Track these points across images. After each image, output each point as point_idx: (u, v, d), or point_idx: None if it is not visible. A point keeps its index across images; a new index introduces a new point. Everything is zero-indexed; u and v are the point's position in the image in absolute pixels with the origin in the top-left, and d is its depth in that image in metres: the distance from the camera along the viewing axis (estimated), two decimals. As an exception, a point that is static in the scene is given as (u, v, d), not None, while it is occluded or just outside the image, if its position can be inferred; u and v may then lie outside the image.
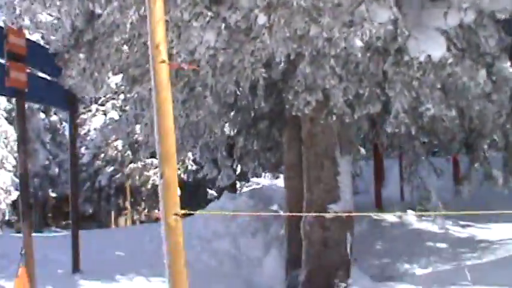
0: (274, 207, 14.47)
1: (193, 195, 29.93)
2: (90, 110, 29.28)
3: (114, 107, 27.20)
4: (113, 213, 45.98)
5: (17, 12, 10.19)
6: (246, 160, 13.92)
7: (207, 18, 7.20)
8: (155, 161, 26.80)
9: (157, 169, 22.79)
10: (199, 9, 7.13)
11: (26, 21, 10.37)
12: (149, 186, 26.54)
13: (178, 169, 26.71)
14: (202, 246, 12.25)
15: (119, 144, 26.47)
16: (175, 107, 11.02)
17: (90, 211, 46.56)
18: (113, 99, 27.76)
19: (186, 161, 26.92)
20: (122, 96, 27.41)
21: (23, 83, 8.49)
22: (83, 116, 30.33)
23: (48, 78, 10.01)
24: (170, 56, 8.66)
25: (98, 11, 8.84)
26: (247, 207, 13.84)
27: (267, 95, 9.51)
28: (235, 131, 13.18)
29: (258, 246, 11.83)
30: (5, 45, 8.21)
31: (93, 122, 27.48)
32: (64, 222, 50.16)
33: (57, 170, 40.00)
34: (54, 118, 40.28)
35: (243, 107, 10.73)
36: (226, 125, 13.02)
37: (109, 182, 41.26)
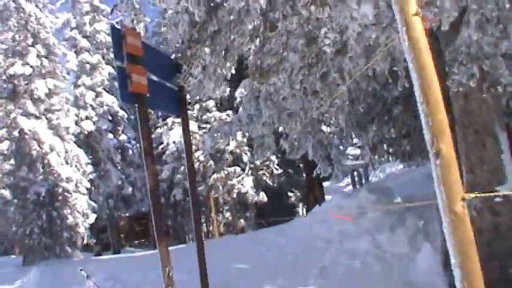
0: (397, 199, 13.39)
1: (277, 201, 29.14)
2: (166, 124, 28.79)
3: (191, 117, 26.54)
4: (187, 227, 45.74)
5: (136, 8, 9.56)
6: (380, 150, 12.77)
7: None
8: (238, 169, 26.10)
9: (240, 177, 22.08)
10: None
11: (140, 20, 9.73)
12: (234, 195, 25.79)
13: (264, 174, 26.14)
14: (335, 248, 11.31)
15: (200, 155, 25.83)
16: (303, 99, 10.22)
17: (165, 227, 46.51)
18: (188, 109, 27.08)
19: (271, 165, 26.14)
20: (197, 106, 26.86)
21: (145, 87, 7.75)
22: (158, 131, 29.90)
23: (162, 81, 9.30)
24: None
25: (222, -3, 8.14)
26: (370, 203, 12.82)
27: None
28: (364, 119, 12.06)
29: (401, 241, 10.76)
30: (124, 47, 7.47)
31: (171, 135, 26.89)
32: (137, 241, 50.16)
33: (130, 189, 39.72)
34: (122, 137, 40.12)
35: (376, 92, 9.68)
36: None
37: (184, 196, 40.96)
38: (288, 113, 11.06)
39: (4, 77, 31.57)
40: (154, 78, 8.86)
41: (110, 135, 38.82)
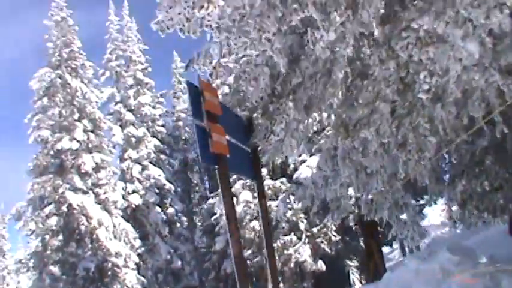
0: (483, 259, 12.21)
1: (334, 269, 27.99)
2: (218, 195, 28.13)
3: (244, 186, 25.91)
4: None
5: (213, 63, 8.97)
6: (469, 206, 11.70)
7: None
8: (294, 238, 25.14)
9: (297, 246, 21.09)
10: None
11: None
12: (292, 264, 24.77)
13: (322, 242, 25.11)
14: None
15: (255, 224, 25.00)
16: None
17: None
18: (240, 179, 26.51)
19: (329, 232, 25.12)
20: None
21: (225, 148, 7.06)
22: (210, 201, 29.23)
23: (237, 142, 8.59)
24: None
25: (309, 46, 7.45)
26: (454, 265, 11.67)
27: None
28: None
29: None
30: (202, 104, 6.80)
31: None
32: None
33: (179, 262, 38.78)
34: (170, 210, 39.50)
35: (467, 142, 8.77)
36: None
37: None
38: (367, 173, 10.23)
39: (52, 152, 31.49)
40: (229, 138, 8.15)
41: (158, 209, 38.19)
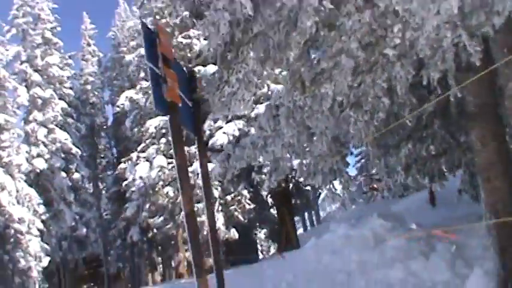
0: (412, 225, 12.36)
1: (246, 238, 27.95)
2: (130, 159, 27.25)
3: (158, 151, 25.20)
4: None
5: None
6: (413, 170, 11.59)
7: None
8: (207, 206, 24.78)
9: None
10: None
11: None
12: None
13: (236, 210, 24.92)
14: (365, 280, 10.20)
15: (169, 190, 24.37)
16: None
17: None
18: (153, 144, 25.81)
19: (243, 200, 24.92)
20: (163, 140, 25.55)
21: (177, 96, 6.57)
22: (121, 166, 28.33)
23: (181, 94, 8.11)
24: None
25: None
26: (387, 230, 11.77)
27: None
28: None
29: (439, 268, 9.67)
30: (158, 46, 6.30)
31: (137, 170, 25.38)
32: (85, 286, 47.83)
33: (84, 230, 37.71)
34: (76, 176, 38.21)
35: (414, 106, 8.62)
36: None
37: (141, 237, 39.18)
38: (310, 133, 9.92)
39: (-50, 111, 29.73)
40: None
41: (63, 174, 36.82)
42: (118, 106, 30.22)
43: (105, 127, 44.65)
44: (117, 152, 42.79)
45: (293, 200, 29.06)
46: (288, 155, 11.93)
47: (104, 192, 44.21)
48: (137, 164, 25.99)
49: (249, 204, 24.87)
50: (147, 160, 25.64)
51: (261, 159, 13.56)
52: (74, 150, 37.21)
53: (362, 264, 10.86)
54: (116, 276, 45.84)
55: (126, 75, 42.19)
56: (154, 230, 38.36)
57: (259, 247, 36.10)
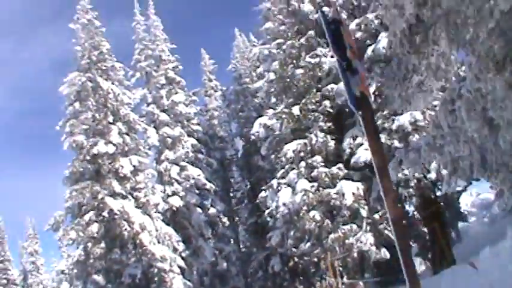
0: None
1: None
2: (270, 187, 26.55)
3: (299, 175, 24.33)
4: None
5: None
6: None
7: None
8: (354, 227, 23.59)
9: (358, 235, 19.53)
10: None
11: None
12: (355, 254, 23.17)
13: (385, 228, 23.45)
14: None
15: (315, 214, 23.37)
16: None
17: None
18: (292, 169, 25.01)
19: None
20: (302, 164, 24.68)
21: (367, 88, 5.60)
22: (262, 194, 27.69)
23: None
24: None
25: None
26: None
27: None
28: None
29: None
30: (344, 37, 5.36)
31: (280, 197, 24.62)
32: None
33: (225, 264, 37.37)
34: (211, 211, 38.09)
35: None
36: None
37: (282, 266, 38.32)
38: (494, 125, 8.57)
39: (88, 157, 30.25)
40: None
41: (199, 210, 36.79)
42: (253, 134, 29.68)
43: (235, 160, 44.46)
44: (250, 184, 42.33)
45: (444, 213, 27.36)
46: (469, 153, 10.50)
47: (240, 225, 43.76)
48: (279, 190, 25.23)
49: (399, 222, 23.35)
50: (288, 185, 24.81)
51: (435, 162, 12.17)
52: (208, 185, 37.12)
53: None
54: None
55: (252, 105, 42.06)
56: (295, 259, 37.63)
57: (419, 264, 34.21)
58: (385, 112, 23.13)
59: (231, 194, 44.72)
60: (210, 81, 46.87)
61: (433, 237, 25.16)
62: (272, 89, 27.53)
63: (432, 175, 22.95)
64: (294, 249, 26.29)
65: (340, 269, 24.68)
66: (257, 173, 41.41)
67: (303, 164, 24.65)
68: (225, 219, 41.05)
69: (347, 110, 26.20)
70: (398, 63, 7.63)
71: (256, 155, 41.24)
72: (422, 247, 29.12)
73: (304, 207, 23.40)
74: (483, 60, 6.95)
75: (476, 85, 7.60)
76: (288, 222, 24.93)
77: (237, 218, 44.28)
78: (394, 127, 22.52)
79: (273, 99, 27.91)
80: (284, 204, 24.12)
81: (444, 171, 13.21)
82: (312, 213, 23.42)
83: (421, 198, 24.07)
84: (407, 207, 26.19)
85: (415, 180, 22.72)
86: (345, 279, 25.86)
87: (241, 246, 42.29)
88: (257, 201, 28.84)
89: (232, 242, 41.00)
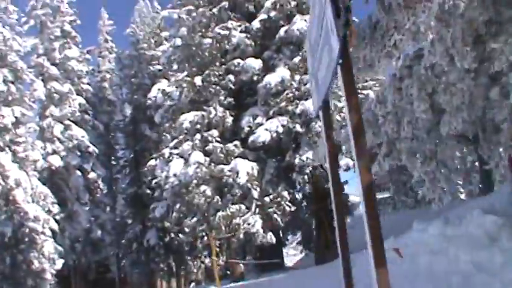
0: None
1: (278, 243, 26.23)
2: (162, 156, 25.35)
3: (194, 147, 23.37)
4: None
5: None
6: None
7: None
8: (243, 207, 23.10)
9: (246, 216, 19.14)
10: None
11: None
12: (241, 235, 22.63)
13: (275, 212, 23.22)
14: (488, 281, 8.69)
15: (206, 189, 22.55)
16: None
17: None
18: (187, 140, 23.97)
19: (282, 202, 23.20)
20: (197, 136, 23.79)
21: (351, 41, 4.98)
22: (151, 163, 26.46)
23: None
24: None
25: None
26: (498, 227, 10.17)
27: None
28: None
29: None
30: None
31: (171, 167, 23.50)
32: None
33: (99, 232, 35.90)
34: (92, 175, 36.47)
35: None
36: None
37: (158, 241, 37.44)
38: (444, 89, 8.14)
39: (-34, 101, 28.07)
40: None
41: (78, 173, 35.10)
42: (149, 99, 28.39)
43: (122, 126, 42.78)
44: (134, 152, 40.94)
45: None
46: (409, 135, 10.12)
47: (118, 194, 42.21)
48: (170, 160, 24.17)
49: (289, 207, 23.15)
50: (181, 157, 23.80)
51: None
52: (91, 148, 35.49)
53: (478, 265, 9.23)
54: (128, 281, 44.06)
55: (147, 72, 40.71)
56: (172, 234, 36.85)
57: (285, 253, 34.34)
58: (290, 95, 22.85)
59: (113, 162, 43.03)
60: (106, 42, 44.88)
61: (318, 227, 25.25)
62: (176, 56, 26.43)
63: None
64: (176, 225, 25.42)
65: (218, 249, 24.26)
66: (142, 142, 40.23)
67: (198, 136, 23.80)
68: (104, 186, 39.63)
69: (249, 88, 25.75)
70: (376, 22, 7.05)
71: (144, 124, 40.04)
72: (305, 236, 29.28)
73: (195, 181, 22.60)
74: (459, 33, 6.53)
75: (434, 61, 7.20)
76: (176, 195, 23.98)
77: (116, 187, 42.67)
78: (297, 111, 22.27)
79: (175, 66, 26.80)
80: (175, 175, 23.17)
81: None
82: (202, 187, 22.66)
83: (314, 186, 24.01)
84: (297, 195, 26.12)
85: (311, 168, 22.58)
86: (221, 261, 25.48)
87: (118, 215, 40.71)
88: (145, 169, 27.68)
89: (109, 210, 39.46)
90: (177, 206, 24.25)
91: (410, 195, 40.82)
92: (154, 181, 26.27)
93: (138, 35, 42.93)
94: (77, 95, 36.22)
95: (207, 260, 37.37)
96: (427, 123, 9.00)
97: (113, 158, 43.09)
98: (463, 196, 35.29)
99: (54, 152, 33.52)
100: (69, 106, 35.02)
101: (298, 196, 26.19)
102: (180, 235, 33.90)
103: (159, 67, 40.33)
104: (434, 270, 9.96)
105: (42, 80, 34.61)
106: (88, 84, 38.89)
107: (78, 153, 35.34)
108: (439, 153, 10.43)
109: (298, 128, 22.33)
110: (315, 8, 6.32)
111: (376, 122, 10.62)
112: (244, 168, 22.52)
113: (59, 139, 34.08)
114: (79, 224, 34.22)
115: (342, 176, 29.40)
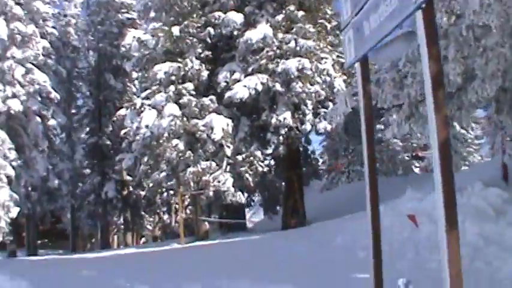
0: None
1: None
2: (133, 105, 24.27)
3: (168, 98, 22.43)
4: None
5: None
6: None
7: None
8: (214, 164, 22.47)
9: (217, 173, 18.58)
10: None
11: None
12: (211, 193, 22.02)
13: (247, 172, 22.67)
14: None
15: (179, 143, 21.76)
16: None
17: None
18: (160, 91, 23.00)
19: (255, 162, 22.65)
20: (172, 88, 22.88)
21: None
22: (120, 112, 25.42)
23: None
24: None
25: None
26: (503, 201, 9.94)
27: None
28: None
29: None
30: None
31: (144, 118, 22.47)
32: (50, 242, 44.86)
33: (56, 181, 34.75)
34: (51, 122, 35.12)
35: None
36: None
37: (116, 194, 36.64)
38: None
39: None
40: None
41: (38, 119, 33.76)
42: (124, 46, 27.24)
43: (85, 73, 41.41)
44: (97, 102, 39.67)
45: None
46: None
47: (78, 143, 40.97)
48: (142, 111, 23.15)
49: (262, 167, 22.63)
50: (153, 108, 22.83)
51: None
52: (53, 94, 34.07)
53: (486, 238, 8.98)
54: (82, 233, 43.37)
55: (114, 20, 39.38)
56: (131, 188, 36.12)
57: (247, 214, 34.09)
58: (271, 53, 22.18)
59: (73, 110, 41.67)
60: (72, -16, 43.14)
61: (288, 190, 24.93)
62: (153, 3, 25.29)
63: (307, 126, 22.48)
64: (145, 178, 24.53)
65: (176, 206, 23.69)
66: (106, 92, 39.05)
67: (172, 88, 22.87)
68: (63, 134, 38.47)
69: (227, 43, 24.99)
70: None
71: (109, 73, 38.84)
72: (271, 198, 28.85)
73: (166, 134, 21.77)
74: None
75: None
76: (146, 147, 23.10)
77: (75, 136, 41.36)
78: (278, 69, 21.62)
79: (152, 14, 25.67)
80: (147, 126, 22.25)
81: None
82: (175, 141, 21.87)
83: (288, 147, 23.52)
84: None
85: (286, 129, 22.08)
86: (179, 217, 24.94)
87: (76, 166, 39.53)
88: (114, 118, 26.73)
89: (67, 159, 38.25)
90: (145, 158, 23.41)
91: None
92: (122, 131, 25.24)
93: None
94: (41, 37, 34.62)
95: (165, 217, 36.91)
96: (454, 87, 8.49)
97: (73, 106, 41.76)
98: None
99: (14, 96, 32.06)
100: (32, 49, 33.48)
101: (269, 157, 25.65)
102: (140, 191, 33.30)
103: (128, 15, 39.07)
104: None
105: (5, 20, 32.93)
106: (53, 27, 37.25)
107: (39, 99, 33.91)
108: (457, 119, 10.03)
109: (278, 87, 21.69)
110: None
111: (401, 81, 10.08)
112: (220, 124, 21.84)
113: (19, 82, 32.59)
114: (36, 171, 33.00)
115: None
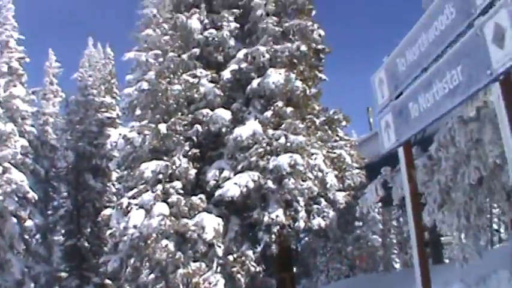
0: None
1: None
2: (120, 205, 23.32)
3: (156, 197, 21.67)
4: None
5: None
6: None
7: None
8: (203, 265, 21.51)
9: (207, 274, 17.67)
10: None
11: None
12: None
13: (238, 272, 21.72)
14: None
15: (169, 244, 20.85)
16: None
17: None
18: (147, 190, 22.28)
19: (247, 262, 21.79)
20: (159, 187, 22.16)
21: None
22: (105, 213, 24.44)
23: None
24: None
25: None
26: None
27: None
28: None
29: None
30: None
31: (131, 218, 21.51)
32: None
33: (32, 285, 33.20)
34: (28, 223, 33.89)
35: None
36: None
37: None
38: None
39: None
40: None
41: (14, 220, 32.58)
42: (108, 144, 26.70)
43: (63, 173, 40.61)
44: (75, 202, 38.71)
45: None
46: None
47: (54, 245, 39.65)
48: (129, 211, 22.27)
49: (254, 267, 21.76)
50: (141, 207, 22.00)
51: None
52: (30, 194, 33.06)
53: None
54: None
55: (94, 119, 39.09)
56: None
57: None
58: (260, 150, 21.80)
59: (49, 211, 40.55)
60: (51, 84, 43.03)
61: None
62: (139, 100, 24.90)
63: (301, 224, 21.85)
64: (131, 281, 23.25)
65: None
66: (84, 193, 38.21)
67: (159, 187, 22.17)
68: (38, 236, 37.19)
69: (213, 141, 24.65)
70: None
71: (88, 173, 38.15)
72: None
73: (154, 235, 20.87)
74: None
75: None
76: (134, 248, 22.08)
77: (52, 237, 40.07)
78: (270, 166, 21.15)
79: (138, 112, 25.25)
80: (135, 226, 21.35)
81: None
82: (164, 242, 20.96)
83: (280, 246, 22.76)
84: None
85: (278, 227, 21.40)
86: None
87: (53, 268, 37.99)
88: (99, 219, 25.73)
89: (43, 262, 36.77)
90: (131, 260, 22.32)
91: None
92: (108, 232, 24.18)
93: (87, 80, 41.34)
94: (20, 136, 34.01)
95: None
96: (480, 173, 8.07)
97: (50, 206, 40.68)
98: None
99: (-10, 196, 31.08)
100: (10, 147, 32.77)
101: (258, 256, 24.77)
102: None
103: (108, 115, 38.81)
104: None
105: (-17, 118, 32.45)
106: (32, 126, 36.75)
107: (16, 199, 32.89)
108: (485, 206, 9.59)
109: (270, 184, 21.18)
110: None
111: (431, 168, 9.62)
112: (211, 224, 21.08)
113: (-4, 182, 31.68)
114: (11, 275, 31.53)
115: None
